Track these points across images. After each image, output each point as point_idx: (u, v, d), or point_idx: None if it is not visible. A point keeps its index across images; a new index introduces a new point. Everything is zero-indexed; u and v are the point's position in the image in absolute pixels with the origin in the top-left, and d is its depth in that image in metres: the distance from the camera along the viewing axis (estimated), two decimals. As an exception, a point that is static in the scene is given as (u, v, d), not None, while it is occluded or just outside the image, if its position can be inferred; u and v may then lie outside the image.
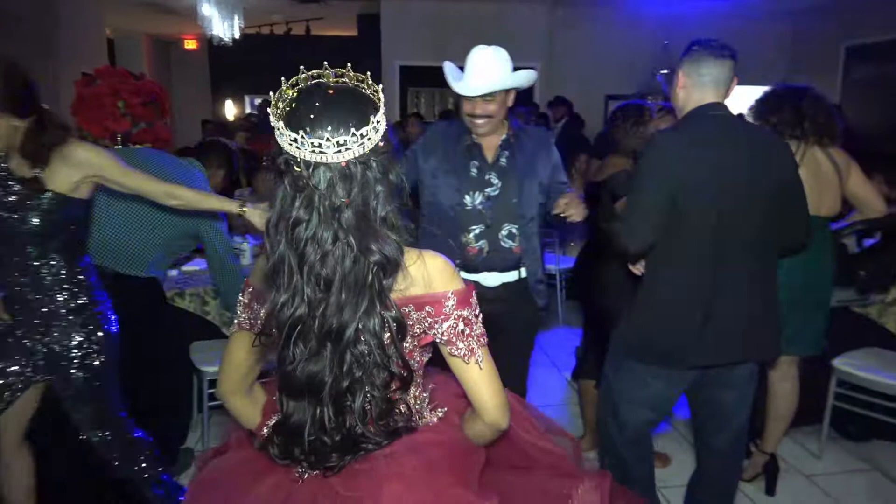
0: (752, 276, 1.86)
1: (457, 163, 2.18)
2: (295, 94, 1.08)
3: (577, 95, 9.34)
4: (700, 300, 1.81)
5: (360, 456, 1.14)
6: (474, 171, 2.18)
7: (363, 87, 1.11)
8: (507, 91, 2.15)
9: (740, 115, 2.02)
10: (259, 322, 1.16)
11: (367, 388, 1.11)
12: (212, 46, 8.75)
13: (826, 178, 2.38)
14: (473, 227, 2.17)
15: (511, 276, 2.20)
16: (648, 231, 1.82)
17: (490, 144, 2.21)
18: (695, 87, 1.87)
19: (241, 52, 9.58)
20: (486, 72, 2.12)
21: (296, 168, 1.05)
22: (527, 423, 1.37)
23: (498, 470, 1.29)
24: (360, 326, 1.07)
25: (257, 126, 8.10)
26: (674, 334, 1.85)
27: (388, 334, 1.10)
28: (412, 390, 1.20)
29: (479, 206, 2.16)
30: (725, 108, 1.87)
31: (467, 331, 1.12)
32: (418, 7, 8.75)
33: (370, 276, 1.07)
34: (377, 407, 1.13)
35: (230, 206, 2.10)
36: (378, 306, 1.08)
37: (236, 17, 7.84)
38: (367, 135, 1.05)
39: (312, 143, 1.03)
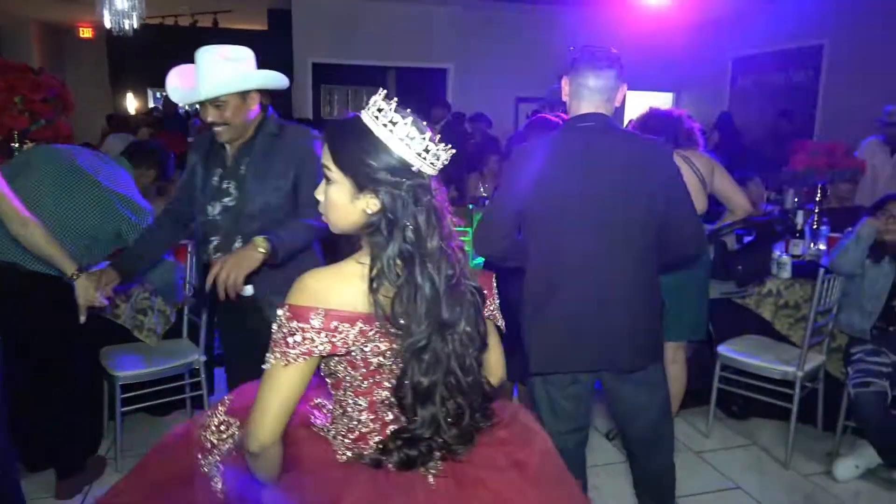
0: (612, 282, 1.86)
1: (206, 171, 2.10)
2: (389, 105, 1.12)
3: (487, 97, 9.59)
4: (555, 304, 1.89)
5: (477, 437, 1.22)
6: (215, 180, 2.08)
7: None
8: (243, 94, 1.99)
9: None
10: (350, 343, 1.12)
11: (472, 365, 1.20)
12: (110, 36, 8.33)
13: (687, 182, 2.65)
14: (213, 238, 2.07)
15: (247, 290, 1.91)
16: (498, 239, 1.93)
17: (233, 151, 2.09)
18: (574, 97, 1.91)
19: (143, 42, 9.15)
20: (207, 75, 1.94)
21: (405, 178, 1.11)
22: None
23: None
24: (472, 326, 1.19)
25: (162, 121, 7.81)
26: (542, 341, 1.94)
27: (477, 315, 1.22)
28: None
29: (218, 217, 2.06)
30: (599, 117, 1.88)
31: (498, 305, 1.35)
32: (329, 4, 8.70)
33: (462, 275, 1.19)
34: (479, 375, 1.23)
35: (66, 267, 2.09)
36: (472, 301, 1.20)
37: (137, 6, 7.51)
38: (441, 154, 1.15)
39: (436, 154, 1.12)
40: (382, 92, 1.14)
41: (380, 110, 1.11)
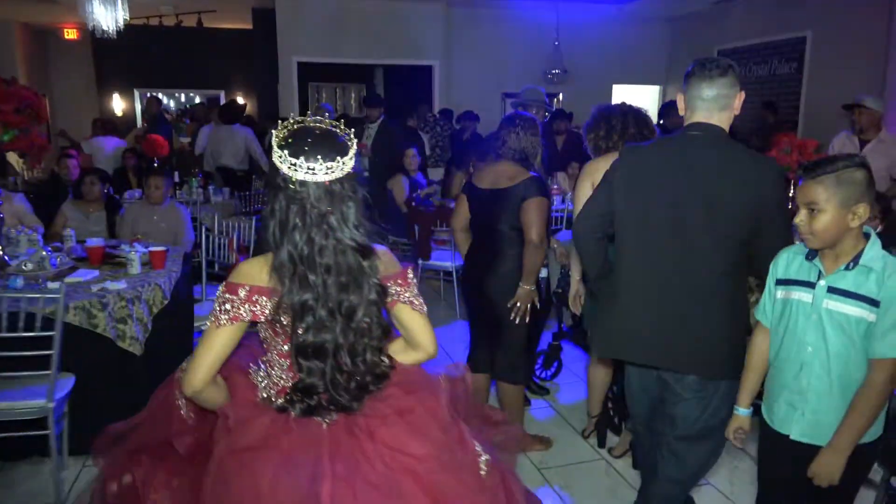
0: (695, 290, 1.92)
1: None
2: (287, 132, 1.44)
3: (474, 93, 9.60)
4: (637, 301, 2.00)
5: (367, 397, 1.51)
6: None
7: (338, 130, 1.48)
8: None
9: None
10: (266, 311, 1.44)
11: (371, 343, 1.51)
12: (95, 37, 8.30)
13: None
14: None
15: None
16: (589, 222, 2.10)
17: None
18: (688, 109, 1.97)
19: (129, 43, 9.14)
20: None
21: (290, 185, 1.41)
22: None
23: None
24: (367, 301, 1.47)
25: (148, 125, 7.82)
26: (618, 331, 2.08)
27: (379, 299, 1.50)
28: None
29: None
30: (709, 127, 1.92)
31: (416, 291, 1.62)
32: (314, 2, 8.68)
33: (358, 261, 1.46)
34: (375, 356, 1.53)
35: None
36: (372, 283, 1.48)
37: (120, 7, 7.49)
38: (345, 162, 1.44)
39: (308, 167, 1.40)
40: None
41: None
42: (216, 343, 1.43)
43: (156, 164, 6.46)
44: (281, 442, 1.42)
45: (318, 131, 1.44)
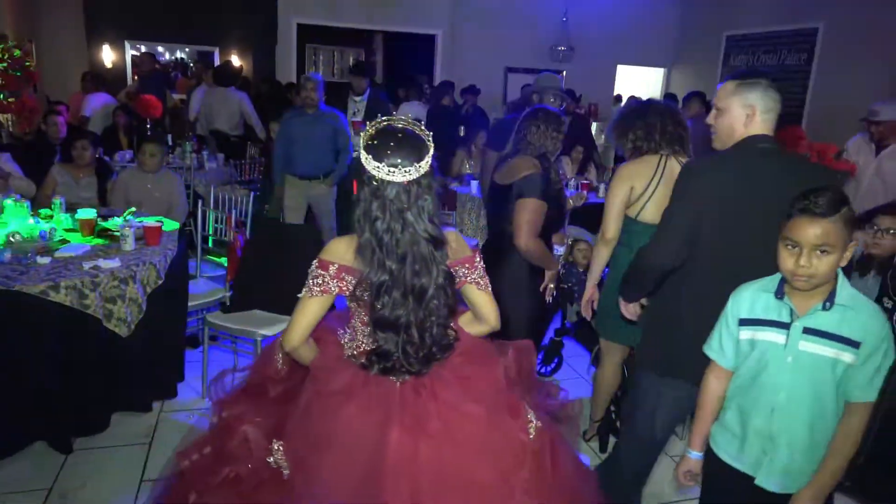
0: None
1: None
2: (374, 132, 1.59)
3: (477, 66, 9.38)
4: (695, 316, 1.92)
5: (435, 363, 1.72)
6: None
7: (418, 130, 1.61)
8: None
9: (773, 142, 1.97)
10: (351, 287, 1.65)
11: (438, 321, 1.68)
12: (85, -15, 7.96)
13: None
14: None
15: None
16: (674, 253, 1.93)
17: None
18: (760, 119, 1.92)
19: (121, -6, 8.80)
20: None
21: (373, 182, 1.58)
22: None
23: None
24: (435, 286, 1.64)
25: (140, 83, 7.53)
26: (696, 352, 1.89)
27: (446, 284, 1.67)
28: None
29: None
30: (770, 139, 1.93)
31: (484, 273, 1.79)
32: (317, -37, 8.38)
33: (430, 250, 1.62)
34: (441, 332, 1.71)
35: None
36: (440, 269, 1.65)
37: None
38: (422, 166, 1.58)
39: (388, 169, 1.56)
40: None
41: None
42: (309, 310, 1.66)
43: (148, 127, 6.23)
44: (359, 392, 1.65)
45: (399, 134, 1.58)
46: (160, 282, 3.04)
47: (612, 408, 3.09)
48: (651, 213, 2.51)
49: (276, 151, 4.88)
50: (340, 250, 1.66)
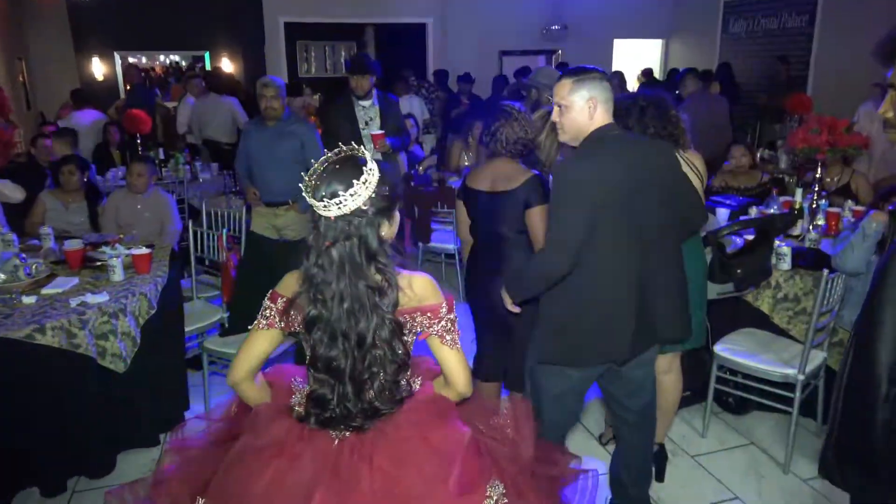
0: (663, 268, 2.08)
1: None
2: (320, 166, 1.46)
3: (470, 52, 9.19)
4: (624, 303, 2.02)
5: (378, 419, 1.54)
6: None
7: (357, 153, 1.47)
8: None
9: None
10: (297, 323, 1.54)
11: (381, 375, 1.51)
12: (69, -1, 7.84)
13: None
14: None
15: None
16: (573, 257, 1.97)
17: None
18: (603, 110, 2.03)
19: (107, 4, 8.66)
20: None
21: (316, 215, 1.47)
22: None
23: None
24: (375, 335, 1.48)
25: (128, 97, 7.42)
26: (605, 337, 2.05)
27: (390, 337, 1.50)
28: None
29: None
30: (616, 125, 2.07)
31: (451, 327, 1.56)
32: (300, -41, 8.20)
33: (368, 293, 1.46)
34: (388, 385, 1.53)
35: None
36: (384, 318, 1.48)
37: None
38: (345, 199, 1.41)
39: (317, 202, 1.43)
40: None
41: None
42: (254, 343, 1.58)
43: (139, 142, 6.12)
44: (292, 446, 1.53)
45: (329, 165, 1.45)
46: (152, 311, 2.95)
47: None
48: None
49: (239, 173, 4.09)
50: (292, 284, 1.55)
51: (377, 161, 1.52)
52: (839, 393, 1.56)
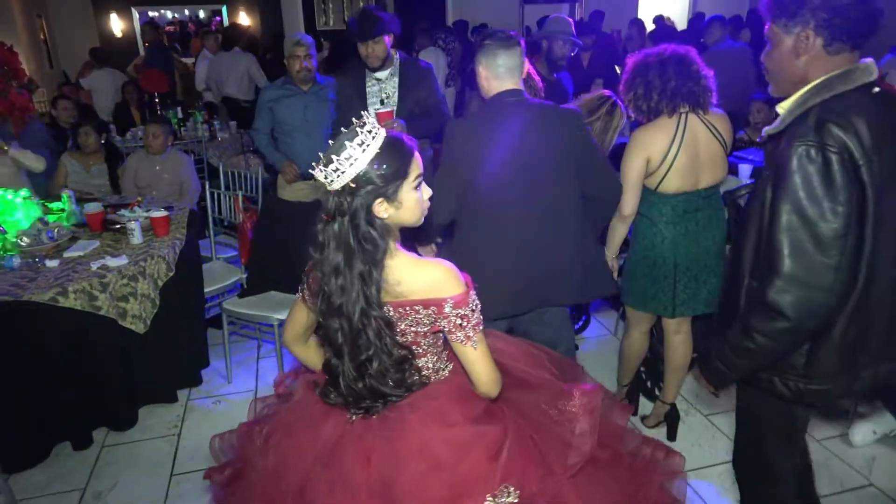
0: (558, 237, 2.20)
1: None
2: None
3: (490, 1, 8.95)
4: (507, 258, 2.18)
5: (389, 404, 1.48)
6: None
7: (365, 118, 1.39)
8: None
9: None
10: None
11: (377, 362, 1.44)
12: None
13: (706, 152, 2.32)
14: None
15: None
16: (448, 211, 2.19)
17: None
18: (494, 78, 2.17)
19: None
20: None
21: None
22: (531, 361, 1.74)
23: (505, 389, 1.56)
24: (363, 323, 1.41)
25: (146, 55, 7.40)
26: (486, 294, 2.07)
27: (378, 326, 1.42)
28: (423, 360, 1.51)
29: None
30: (519, 93, 2.18)
31: (464, 323, 1.42)
32: None
33: (353, 280, 1.39)
34: (391, 373, 1.45)
35: None
36: (368, 308, 1.40)
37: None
38: (343, 163, 1.34)
39: (317, 173, 1.39)
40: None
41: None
42: (294, 312, 1.62)
43: (157, 101, 6.13)
44: (310, 427, 1.54)
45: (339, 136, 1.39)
46: (171, 273, 3.00)
47: (643, 368, 2.98)
48: (674, 183, 2.32)
49: (259, 141, 3.71)
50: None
51: (395, 133, 1.42)
52: (722, 285, 1.81)
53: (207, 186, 3.86)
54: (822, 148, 1.35)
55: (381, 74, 3.30)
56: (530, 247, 2.18)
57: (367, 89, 3.32)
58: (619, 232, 2.48)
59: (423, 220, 1.50)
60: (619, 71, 7.70)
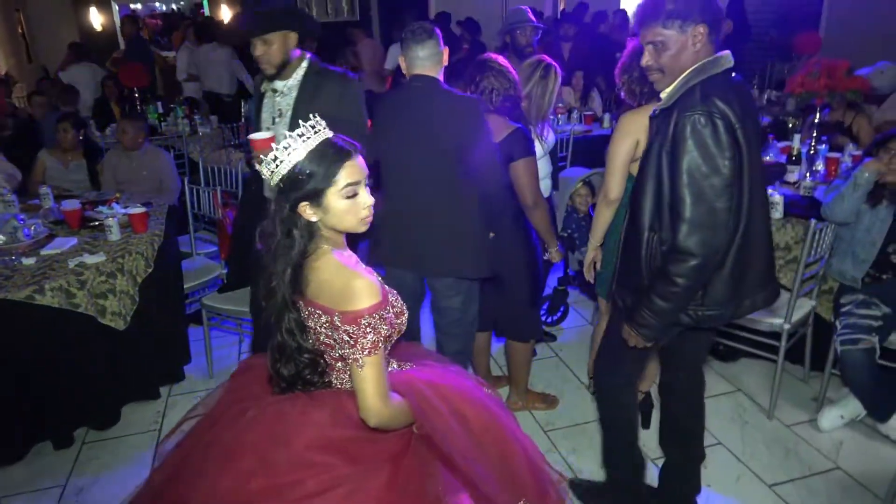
0: (437, 215, 2.39)
1: None
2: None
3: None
4: (397, 224, 2.42)
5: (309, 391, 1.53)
6: None
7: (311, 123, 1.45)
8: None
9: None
10: None
11: (294, 362, 1.51)
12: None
13: None
14: None
15: None
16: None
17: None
18: (409, 66, 2.40)
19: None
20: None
21: None
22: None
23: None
24: (278, 318, 1.48)
25: (125, 49, 7.33)
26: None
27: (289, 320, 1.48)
28: (334, 374, 1.54)
29: None
30: (427, 79, 2.37)
31: (351, 341, 1.39)
32: None
33: (277, 271, 1.46)
34: (297, 359, 1.50)
35: None
36: (285, 305, 1.47)
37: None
38: (281, 152, 1.42)
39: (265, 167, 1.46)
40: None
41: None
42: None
43: (136, 96, 6.09)
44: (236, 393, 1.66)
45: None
46: (150, 270, 3.01)
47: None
48: None
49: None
50: None
51: (340, 137, 1.47)
52: (621, 242, 2.03)
53: (187, 182, 3.86)
54: (710, 115, 1.64)
55: (280, 85, 2.61)
56: (412, 216, 2.42)
57: (264, 101, 2.67)
58: (603, 217, 2.50)
59: (365, 227, 1.51)
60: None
